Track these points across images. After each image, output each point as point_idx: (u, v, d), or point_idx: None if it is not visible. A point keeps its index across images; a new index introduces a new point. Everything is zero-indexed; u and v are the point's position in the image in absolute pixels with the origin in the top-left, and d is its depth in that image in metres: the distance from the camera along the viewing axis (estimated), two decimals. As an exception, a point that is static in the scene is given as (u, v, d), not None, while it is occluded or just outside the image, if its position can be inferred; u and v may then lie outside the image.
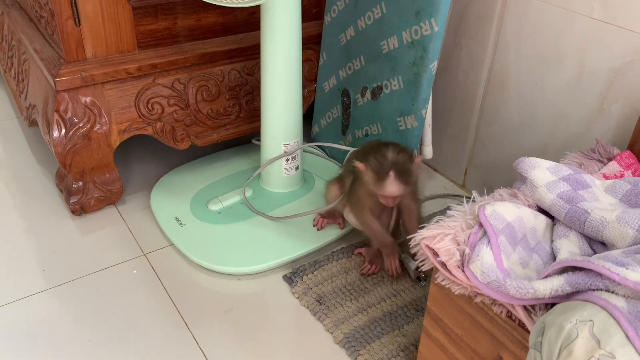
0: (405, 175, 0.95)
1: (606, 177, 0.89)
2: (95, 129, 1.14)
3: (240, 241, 1.12)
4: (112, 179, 1.22)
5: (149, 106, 1.19)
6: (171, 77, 1.20)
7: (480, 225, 0.75)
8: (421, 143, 1.22)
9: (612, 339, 0.54)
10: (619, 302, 0.58)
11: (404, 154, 0.96)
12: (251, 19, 1.28)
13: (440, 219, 0.77)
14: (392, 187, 0.95)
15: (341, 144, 1.36)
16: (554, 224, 0.82)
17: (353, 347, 0.93)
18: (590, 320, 0.55)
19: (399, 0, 1.10)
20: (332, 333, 0.97)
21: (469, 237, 0.74)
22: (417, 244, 0.76)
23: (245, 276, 1.08)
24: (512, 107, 1.18)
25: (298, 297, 1.04)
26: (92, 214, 1.23)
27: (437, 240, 0.73)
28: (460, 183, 1.38)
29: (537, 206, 0.82)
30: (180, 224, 1.16)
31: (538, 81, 1.11)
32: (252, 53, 1.28)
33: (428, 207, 1.28)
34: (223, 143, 1.40)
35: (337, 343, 0.95)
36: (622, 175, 0.90)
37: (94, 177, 1.20)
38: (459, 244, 0.73)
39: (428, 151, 1.23)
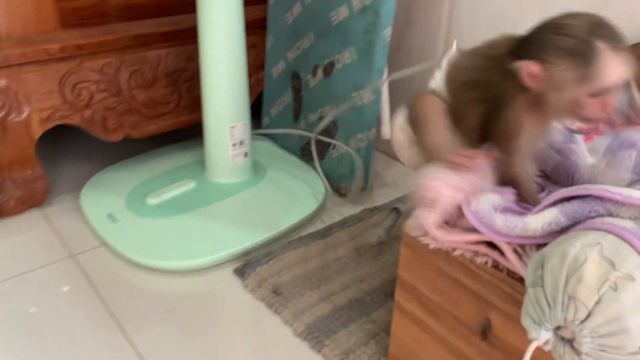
0: (623, 42, 0.54)
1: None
2: (11, 117, 1.00)
3: (184, 235, 0.99)
4: (34, 176, 1.07)
5: (76, 92, 1.06)
6: (100, 61, 1.08)
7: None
8: (379, 122, 1.14)
9: (628, 260, 0.44)
10: (627, 224, 0.49)
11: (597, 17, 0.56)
12: (188, -1, 1.19)
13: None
14: (618, 64, 0.53)
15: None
16: None
17: (316, 337, 0.81)
18: (598, 243, 0.46)
19: (346, -35, 1.03)
20: (291, 325, 0.84)
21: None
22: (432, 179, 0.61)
23: (190, 272, 0.95)
24: (471, 79, 1.11)
25: (251, 291, 0.91)
26: (13, 217, 1.07)
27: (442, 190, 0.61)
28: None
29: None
30: (113, 220, 1.02)
31: (497, 47, 1.04)
32: (191, 36, 1.17)
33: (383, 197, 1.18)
34: (164, 140, 1.28)
35: (298, 335, 0.83)
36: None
37: (12, 174, 1.05)
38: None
39: (387, 130, 1.14)
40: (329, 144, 1.16)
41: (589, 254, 0.45)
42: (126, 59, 1.11)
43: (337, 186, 1.18)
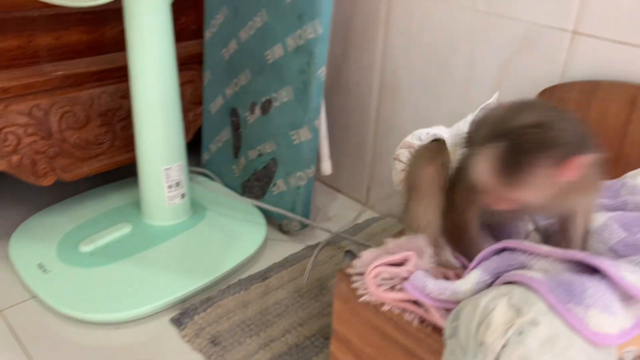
0: (517, 166, 0.51)
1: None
2: None
3: (118, 284, 0.95)
4: (-43, 226, 1.02)
5: (1, 137, 1.01)
6: (28, 103, 1.04)
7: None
8: (318, 158, 1.14)
9: (534, 307, 0.46)
10: (536, 275, 0.50)
11: (556, 125, 0.53)
12: (121, 37, 1.15)
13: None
14: (482, 169, 0.54)
15: (233, 169, 1.25)
16: None
17: (254, 389, 0.80)
18: (508, 293, 0.48)
19: (279, 6, 1.03)
20: (229, 377, 0.82)
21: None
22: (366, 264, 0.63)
23: (124, 324, 0.92)
24: (406, 116, 1.13)
25: (189, 341, 0.88)
26: None
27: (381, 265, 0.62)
28: (363, 201, 1.30)
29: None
30: (44, 271, 0.97)
31: (430, 84, 1.06)
32: (125, 74, 1.14)
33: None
34: (99, 180, 1.24)
35: (236, 388, 0.81)
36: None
37: None
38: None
39: (326, 166, 1.15)
40: (269, 181, 1.16)
41: (498, 302, 0.47)
42: (57, 100, 1.07)
43: (279, 223, 1.17)
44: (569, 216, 0.62)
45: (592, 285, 0.47)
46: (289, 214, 1.11)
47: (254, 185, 1.19)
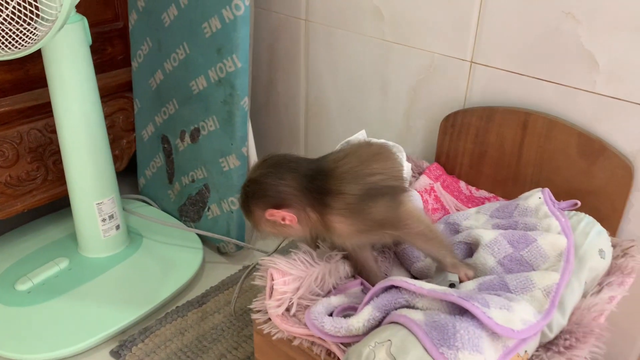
0: (245, 209, 0.68)
1: (419, 192, 0.90)
2: None
3: (56, 321, 0.98)
4: None
5: None
6: (-46, 146, 1.05)
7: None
8: (250, 182, 1.18)
9: (409, 355, 0.52)
10: (417, 315, 0.56)
11: (266, 180, 0.66)
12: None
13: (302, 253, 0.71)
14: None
15: (169, 194, 1.28)
16: None
17: (190, 417, 0.84)
18: (389, 340, 0.54)
19: (199, 40, 1.06)
20: (167, 406, 0.87)
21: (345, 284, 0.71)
22: (264, 267, 0.69)
23: (65, 359, 0.95)
24: (332, 136, 1.18)
25: (128, 373, 0.92)
26: None
27: (283, 282, 0.67)
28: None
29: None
30: (-20, 313, 0.99)
31: (351, 106, 1.12)
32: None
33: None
34: (35, 212, 1.25)
35: (173, 416, 0.85)
36: (432, 189, 0.92)
37: None
38: (304, 287, 0.68)
39: (258, 189, 1.19)
40: (204, 205, 1.19)
41: (378, 352, 0.53)
42: (-17, 140, 1.08)
43: (217, 246, 1.21)
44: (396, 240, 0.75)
45: (462, 326, 0.53)
46: (224, 238, 1.16)
47: (190, 209, 1.23)
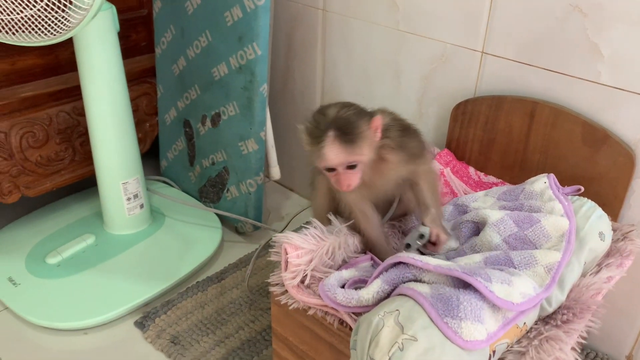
0: (350, 133, 0.68)
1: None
2: None
3: (84, 292, 1.04)
4: None
5: (-35, 160, 1.08)
6: (-12, 127, 1.11)
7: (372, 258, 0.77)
8: (267, 165, 1.23)
9: (415, 323, 0.56)
10: (423, 288, 0.61)
11: (350, 109, 0.71)
12: (74, 57, 1.22)
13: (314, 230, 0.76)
14: (331, 151, 0.68)
15: (190, 176, 1.33)
16: None
17: (210, 383, 0.90)
18: (397, 310, 0.58)
19: (221, 28, 1.10)
20: (188, 372, 0.93)
21: (356, 259, 0.76)
22: (279, 243, 0.74)
23: (92, 329, 1.01)
24: (347, 121, 1.22)
25: (151, 342, 0.98)
26: None
27: (297, 255, 0.72)
28: (315, 200, 1.40)
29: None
30: (14, 284, 1.06)
31: (365, 94, 1.16)
32: (80, 92, 1.21)
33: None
34: (63, 191, 1.31)
35: (194, 382, 0.91)
36: (442, 173, 0.97)
37: None
38: (317, 260, 0.73)
39: (275, 172, 1.24)
40: (223, 187, 1.25)
41: (387, 320, 0.57)
42: (16, 122, 1.14)
43: (235, 226, 1.27)
44: (412, 185, 0.79)
45: (465, 299, 0.58)
46: (241, 218, 1.21)
47: (210, 191, 1.28)
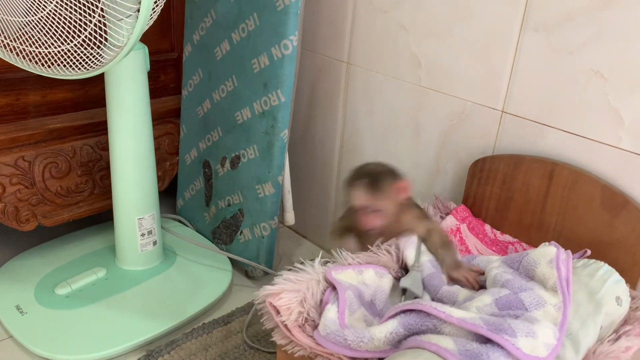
0: (376, 184, 0.84)
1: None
2: None
3: (89, 326, 1.03)
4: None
5: (-13, 186, 1.10)
6: (14, 155, 1.13)
7: (333, 287, 0.76)
8: (282, 209, 1.23)
9: None
10: (447, 344, 0.59)
11: (385, 168, 0.88)
12: (103, 94, 1.25)
13: (288, 272, 0.77)
14: (356, 194, 0.84)
15: (205, 216, 1.34)
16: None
17: None
18: None
19: (247, 74, 1.14)
20: (187, 417, 0.90)
21: (322, 296, 0.75)
22: (262, 302, 0.74)
23: (94, 364, 0.99)
24: (365, 172, 1.23)
25: (152, 381, 0.96)
26: None
27: (280, 297, 0.72)
28: (328, 247, 1.39)
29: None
30: (21, 312, 1.05)
31: (384, 146, 1.17)
32: (105, 128, 1.24)
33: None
34: (79, 223, 1.33)
35: None
36: (458, 229, 0.96)
37: None
38: (304, 302, 0.73)
39: (290, 217, 1.24)
40: (237, 229, 1.25)
41: None
42: (41, 152, 1.16)
43: (245, 269, 1.26)
44: (425, 241, 0.88)
45: (495, 356, 0.57)
46: (252, 263, 1.20)
47: (223, 232, 1.28)
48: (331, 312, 0.71)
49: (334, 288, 0.76)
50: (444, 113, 1.04)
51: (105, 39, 0.86)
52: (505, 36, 0.92)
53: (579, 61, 0.85)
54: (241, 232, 1.24)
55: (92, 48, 0.87)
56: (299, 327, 0.71)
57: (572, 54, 0.85)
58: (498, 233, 0.98)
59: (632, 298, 0.78)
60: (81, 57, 0.88)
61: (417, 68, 1.06)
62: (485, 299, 0.69)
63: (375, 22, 1.11)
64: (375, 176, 0.85)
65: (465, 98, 1.00)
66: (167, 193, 1.43)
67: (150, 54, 1.08)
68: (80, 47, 0.87)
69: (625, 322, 0.75)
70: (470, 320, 0.62)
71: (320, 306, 0.74)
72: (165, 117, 1.36)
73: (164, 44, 1.34)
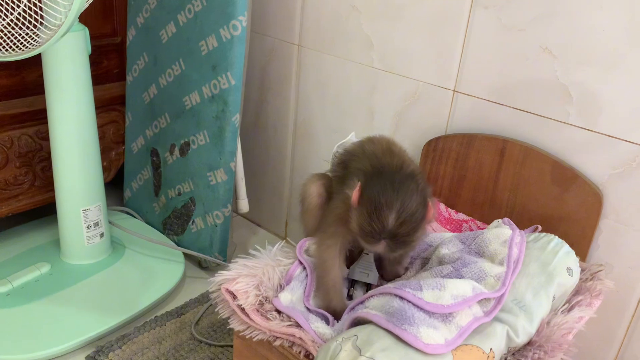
0: (401, 246, 0.68)
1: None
2: None
3: (33, 324, 0.98)
4: None
5: None
6: (-56, 146, 1.06)
7: (300, 262, 0.77)
8: (236, 197, 1.20)
9: (373, 346, 0.56)
10: (374, 310, 0.62)
11: (410, 216, 0.66)
12: (41, 80, 1.19)
13: (243, 259, 0.76)
14: (382, 249, 0.68)
15: (154, 207, 1.29)
16: None
17: (164, 423, 0.84)
18: (355, 335, 0.58)
19: (195, 57, 1.10)
20: (141, 412, 0.87)
21: (280, 281, 0.74)
22: (217, 290, 0.72)
23: (40, 363, 0.94)
24: (318, 156, 1.22)
25: (103, 378, 0.92)
26: None
27: (237, 281, 0.71)
28: (283, 235, 1.37)
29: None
30: (-42, 313, 0.99)
31: (338, 129, 1.16)
32: (45, 116, 1.18)
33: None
34: (20, 217, 1.26)
35: (147, 422, 0.85)
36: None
37: None
38: (260, 285, 0.72)
39: (244, 205, 1.22)
40: (188, 219, 1.21)
41: (344, 345, 0.57)
42: (-26, 142, 1.09)
43: (198, 260, 1.23)
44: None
45: (414, 309, 0.61)
46: (203, 256, 1.17)
47: (174, 222, 1.24)
48: (298, 289, 0.73)
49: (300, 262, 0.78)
50: (397, 94, 1.04)
51: (42, 17, 0.81)
52: (456, 14, 0.92)
53: (528, 38, 0.86)
54: (193, 221, 1.20)
55: (27, 27, 0.82)
56: (257, 310, 0.69)
57: (523, 30, 0.86)
58: (452, 212, 0.98)
59: (582, 269, 0.80)
60: (15, 37, 0.82)
61: (370, 49, 1.05)
62: (424, 275, 0.72)
63: (327, 2, 1.09)
64: (403, 235, 0.66)
65: (418, 79, 1.00)
66: (114, 185, 1.38)
67: (92, 38, 1.03)
68: (12, 26, 0.81)
69: (577, 292, 0.77)
70: (381, 288, 0.67)
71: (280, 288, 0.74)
72: (110, 105, 1.31)
73: (106, 28, 1.28)
